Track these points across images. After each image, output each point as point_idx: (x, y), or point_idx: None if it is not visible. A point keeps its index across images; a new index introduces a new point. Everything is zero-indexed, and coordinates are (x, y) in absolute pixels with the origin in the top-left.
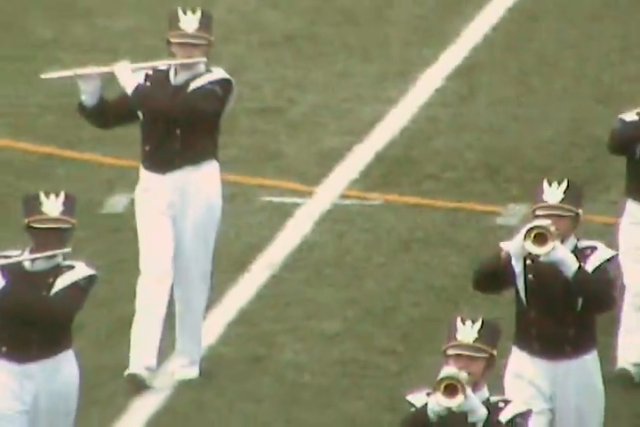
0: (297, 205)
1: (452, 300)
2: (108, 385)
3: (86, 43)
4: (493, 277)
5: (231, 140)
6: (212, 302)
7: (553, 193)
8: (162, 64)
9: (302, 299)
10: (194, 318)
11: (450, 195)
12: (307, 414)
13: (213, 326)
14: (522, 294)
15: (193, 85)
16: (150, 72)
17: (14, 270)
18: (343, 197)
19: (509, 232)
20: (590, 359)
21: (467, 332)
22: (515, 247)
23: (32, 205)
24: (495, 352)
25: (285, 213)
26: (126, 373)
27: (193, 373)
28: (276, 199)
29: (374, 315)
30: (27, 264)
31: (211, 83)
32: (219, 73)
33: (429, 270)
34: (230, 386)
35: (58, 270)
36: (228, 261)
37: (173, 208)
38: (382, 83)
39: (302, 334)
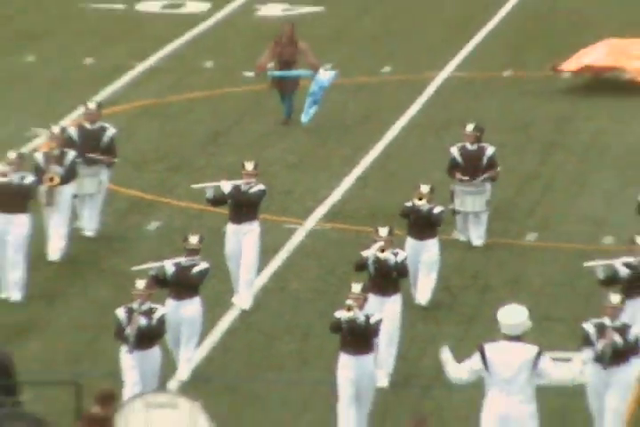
0: (295, 229)
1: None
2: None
3: (218, 166)
4: (361, 266)
5: (268, 203)
6: (260, 269)
7: (384, 231)
8: (239, 182)
9: (298, 268)
10: (251, 275)
11: (359, 224)
12: (301, 308)
13: (262, 278)
14: (372, 272)
15: (250, 191)
16: (234, 184)
17: (177, 265)
18: (315, 226)
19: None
20: (397, 297)
21: (356, 288)
22: (371, 254)
23: (185, 239)
24: (367, 296)
25: (289, 233)
26: (243, 306)
27: (249, 301)
28: (286, 226)
29: (326, 271)
30: (183, 262)
31: (258, 190)
32: (260, 186)
33: (352, 256)
34: (269, 299)
35: (195, 264)
36: (267, 254)
37: (239, 238)
38: (328, 181)
39: (298, 280)
